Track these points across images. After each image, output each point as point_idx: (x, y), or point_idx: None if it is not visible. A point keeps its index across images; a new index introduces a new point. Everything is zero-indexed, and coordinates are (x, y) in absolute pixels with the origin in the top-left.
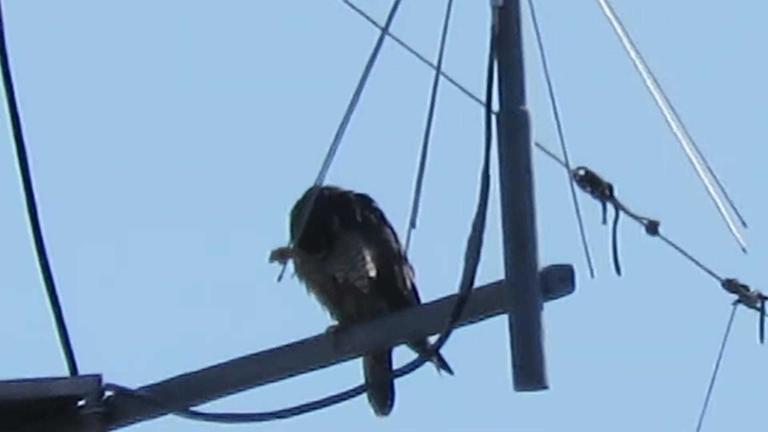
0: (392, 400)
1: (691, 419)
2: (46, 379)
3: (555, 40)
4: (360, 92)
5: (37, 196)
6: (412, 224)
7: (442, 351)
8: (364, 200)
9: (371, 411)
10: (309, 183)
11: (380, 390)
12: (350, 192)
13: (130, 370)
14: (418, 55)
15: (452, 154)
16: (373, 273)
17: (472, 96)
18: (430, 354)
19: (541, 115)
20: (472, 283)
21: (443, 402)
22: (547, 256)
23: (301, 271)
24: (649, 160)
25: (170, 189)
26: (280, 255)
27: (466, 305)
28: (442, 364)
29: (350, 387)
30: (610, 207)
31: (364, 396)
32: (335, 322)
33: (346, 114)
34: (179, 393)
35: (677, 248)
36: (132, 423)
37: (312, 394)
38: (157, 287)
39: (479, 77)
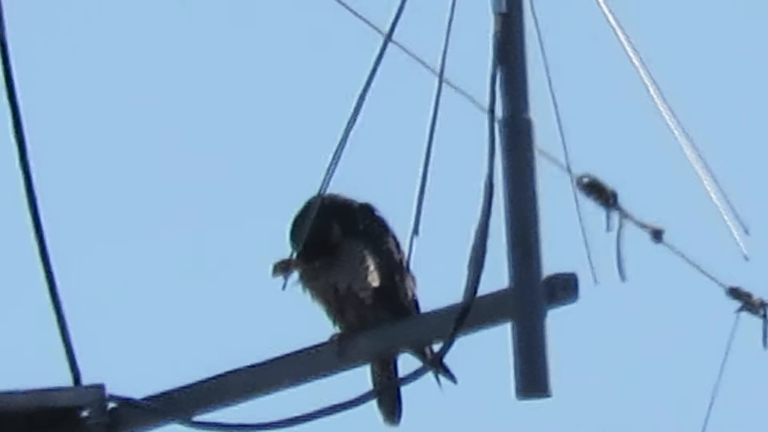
0: (400, 410)
1: (695, 426)
2: (49, 390)
3: (558, 47)
4: (363, 100)
5: (40, 204)
6: (415, 232)
7: (446, 359)
8: (367, 209)
9: (380, 418)
10: (312, 191)
11: (387, 399)
12: (353, 200)
13: (134, 380)
14: (421, 62)
15: (455, 161)
16: (376, 283)
17: (475, 103)
18: (433, 362)
19: (544, 123)
20: (476, 291)
21: (446, 410)
22: (551, 263)
23: (304, 281)
24: (652, 168)
25: (174, 198)
26: (283, 268)
27: (470, 313)
28: (446, 373)
29: (354, 396)
30: (614, 214)
31: (367, 406)
32: (339, 331)
33: (349, 121)
34: (183, 403)
35: (681, 256)
36: None
37: (316, 403)
38: (161, 296)
39: (482, 84)
